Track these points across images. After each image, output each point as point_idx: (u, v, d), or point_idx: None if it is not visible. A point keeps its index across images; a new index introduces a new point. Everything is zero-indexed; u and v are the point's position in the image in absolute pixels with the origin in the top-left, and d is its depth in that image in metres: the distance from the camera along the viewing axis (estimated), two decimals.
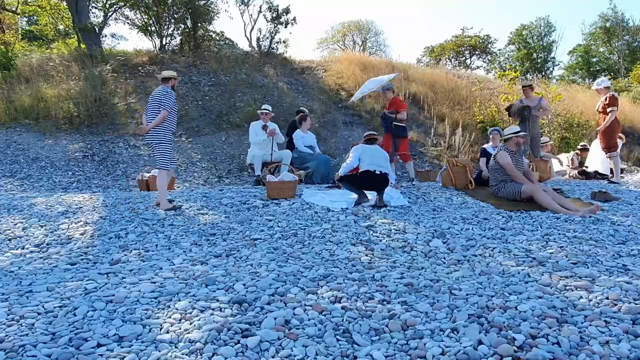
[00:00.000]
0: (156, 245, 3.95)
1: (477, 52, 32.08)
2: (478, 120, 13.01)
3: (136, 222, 4.66)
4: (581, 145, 9.03)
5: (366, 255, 3.61)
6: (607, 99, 7.33)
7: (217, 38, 16.72)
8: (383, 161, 5.64)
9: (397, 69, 15.39)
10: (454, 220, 4.69)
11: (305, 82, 14.15)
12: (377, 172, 5.43)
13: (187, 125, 11.30)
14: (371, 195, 5.53)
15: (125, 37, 38.14)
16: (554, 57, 33.91)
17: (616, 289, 2.76)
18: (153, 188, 6.95)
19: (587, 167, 8.43)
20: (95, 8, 17.63)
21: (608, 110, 7.30)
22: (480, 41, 31.50)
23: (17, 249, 3.86)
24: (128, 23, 16.84)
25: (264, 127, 7.40)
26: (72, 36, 19.70)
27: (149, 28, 15.92)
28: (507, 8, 63.01)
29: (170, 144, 5.44)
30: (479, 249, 3.78)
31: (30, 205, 5.35)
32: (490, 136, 7.66)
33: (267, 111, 7.56)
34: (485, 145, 7.68)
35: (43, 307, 2.55)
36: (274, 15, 16.08)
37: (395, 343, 2.19)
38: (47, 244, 4.00)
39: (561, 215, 4.90)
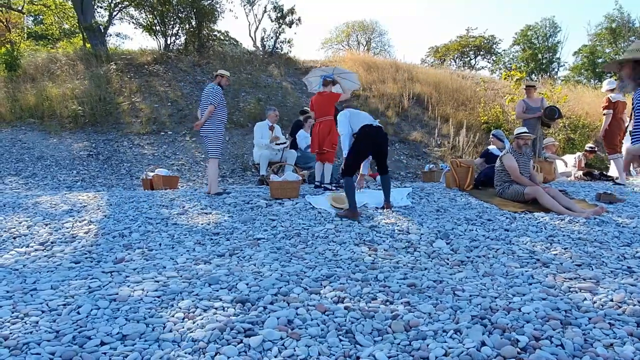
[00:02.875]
0: (160, 245, 3.95)
1: (481, 53, 31.99)
2: (482, 121, 12.97)
3: (140, 221, 4.68)
4: (589, 147, 8.98)
5: (369, 255, 3.60)
6: (604, 101, 7.48)
7: (222, 38, 16.76)
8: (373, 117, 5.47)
9: (401, 69, 15.37)
10: (458, 221, 4.68)
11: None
12: (375, 125, 5.15)
13: (191, 125, 11.32)
14: (370, 199, 5.46)
15: (129, 36, 38.31)
16: (559, 58, 33.74)
17: (621, 291, 2.75)
18: (157, 187, 6.97)
19: (594, 171, 8.39)
20: (101, 7, 17.71)
21: (603, 113, 7.51)
22: (485, 41, 31.42)
23: (21, 247, 3.88)
24: (133, 22, 16.91)
25: (271, 128, 7.40)
26: (77, 35, 19.79)
27: (154, 27, 15.97)
28: (511, 8, 62.79)
29: (222, 135, 6.00)
30: (482, 250, 3.76)
31: (34, 204, 5.38)
32: (490, 140, 7.69)
33: (274, 112, 7.57)
34: (489, 147, 7.66)
35: (47, 305, 2.56)
36: (279, 15, 16.10)
37: (398, 344, 2.19)
38: (52, 243, 4.01)
39: (565, 216, 4.87)
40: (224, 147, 6.08)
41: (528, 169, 5.79)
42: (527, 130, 5.90)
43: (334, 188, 6.28)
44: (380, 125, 5.27)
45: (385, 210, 5.13)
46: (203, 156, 10.15)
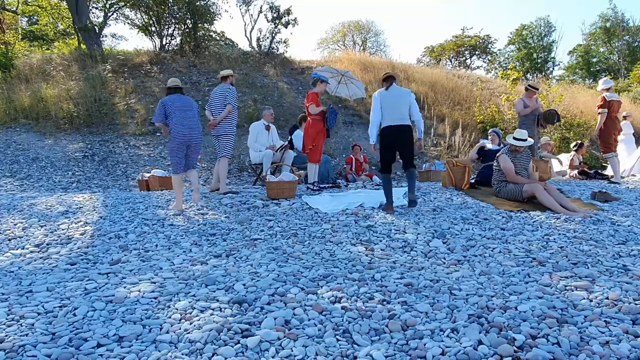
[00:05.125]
0: (156, 245, 3.94)
1: (477, 52, 32.07)
2: (478, 121, 13.02)
3: (136, 222, 4.66)
4: (577, 144, 9.05)
5: (366, 255, 3.61)
6: (600, 100, 7.56)
7: (218, 38, 16.73)
8: (404, 108, 5.08)
9: (397, 69, 15.40)
10: (454, 221, 4.69)
11: (306, 82, 14.15)
12: (395, 126, 4.99)
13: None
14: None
15: (125, 37, 38.24)
16: (554, 57, 33.94)
17: (616, 289, 2.77)
18: (153, 188, 6.95)
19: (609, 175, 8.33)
20: (96, 8, 17.66)
21: (598, 112, 7.56)
22: (481, 41, 31.50)
23: (17, 249, 3.86)
24: (128, 23, 16.88)
25: (267, 128, 7.37)
26: (72, 36, 19.72)
27: (149, 28, 15.93)
28: (507, 8, 63.06)
29: (233, 135, 6.06)
30: (479, 249, 3.77)
31: (30, 205, 5.35)
32: (490, 137, 7.70)
33: (270, 111, 7.53)
34: (485, 144, 7.67)
35: (43, 307, 2.55)
36: (275, 15, 16.09)
37: (395, 343, 2.19)
38: (47, 244, 4.00)
39: (561, 215, 4.89)
40: (234, 148, 6.10)
41: (526, 168, 5.77)
42: (525, 137, 5.76)
43: (316, 188, 6.27)
44: (403, 124, 5.05)
45: (408, 206, 5.14)
46: (199, 157, 10.12)
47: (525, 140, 5.68)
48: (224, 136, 5.96)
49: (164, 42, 15.77)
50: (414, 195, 5.12)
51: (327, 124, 6.35)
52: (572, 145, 9.22)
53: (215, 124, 5.90)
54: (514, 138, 5.70)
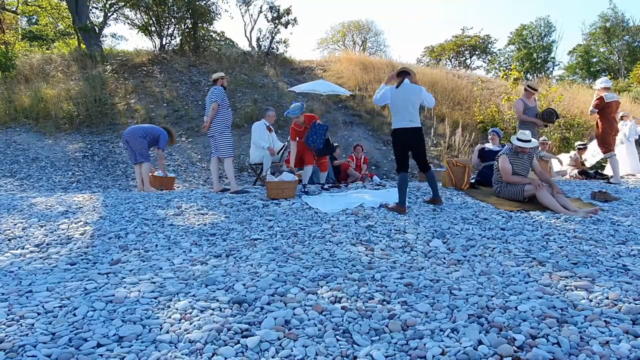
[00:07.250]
0: (156, 245, 3.94)
1: (477, 52, 32.10)
2: (478, 120, 13.02)
3: (136, 222, 4.66)
4: (580, 144, 9.07)
5: (366, 255, 3.61)
6: (597, 99, 7.59)
7: (218, 38, 16.74)
8: (414, 108, 5.07)
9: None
10: (454, 220, 4.69)
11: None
12: (406, 128, 5.03)
13: (187, 125, 11.31)
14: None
15: (125, 37, 38.27)
16: (554, 57, 33.99)
17: (616, 289, 2.77)
18: (154, 185, 6.95)
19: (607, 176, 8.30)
20: (96, 8, 17.66)
21: (590, 111, 7.60)
22: (480, 41, 31.52)
23: (17, 249, 3.86)
24: (128, 23, 16.88)
25: (269, 129, 7.37)
26: (72, 36, 19.73)
27: (149, 28, 15.93)
28: (507, 8, 63.08)
29: (229, 134, 6.12)
30: (479, 249, 3.77)
31: (30, 205, 5.35)
32: (490, 137, 7.70)
33: (273, 113, 7.51)
34: (486, 145, 7.67)
35: (43, 307, 2.55)
36: (275, 15, 16.11)
37: (395, 343, 2.19)
38: (47, 244, 3.99)
39: (561, 215, 4.89)
40: (234, 146, 6.17)
41: (527, 169, 5.72)
42: (529, 139, 5.67)
43: (305, 190, 6.18)
44: (414, 126, 5.05)
45: (434, 204, 5.35)
46: (199, 157, 10.13)
47: (529, 141, 5.60)
48: (219, 136, 6.02)
49: (164, 42, 15.78)
50: (437, 195, 5.36)
51: (308, 141, 5.97)
52: (576, 144, 9.26)
53: (208, 126, 6.04)
54: (518, 139, 5.64)
